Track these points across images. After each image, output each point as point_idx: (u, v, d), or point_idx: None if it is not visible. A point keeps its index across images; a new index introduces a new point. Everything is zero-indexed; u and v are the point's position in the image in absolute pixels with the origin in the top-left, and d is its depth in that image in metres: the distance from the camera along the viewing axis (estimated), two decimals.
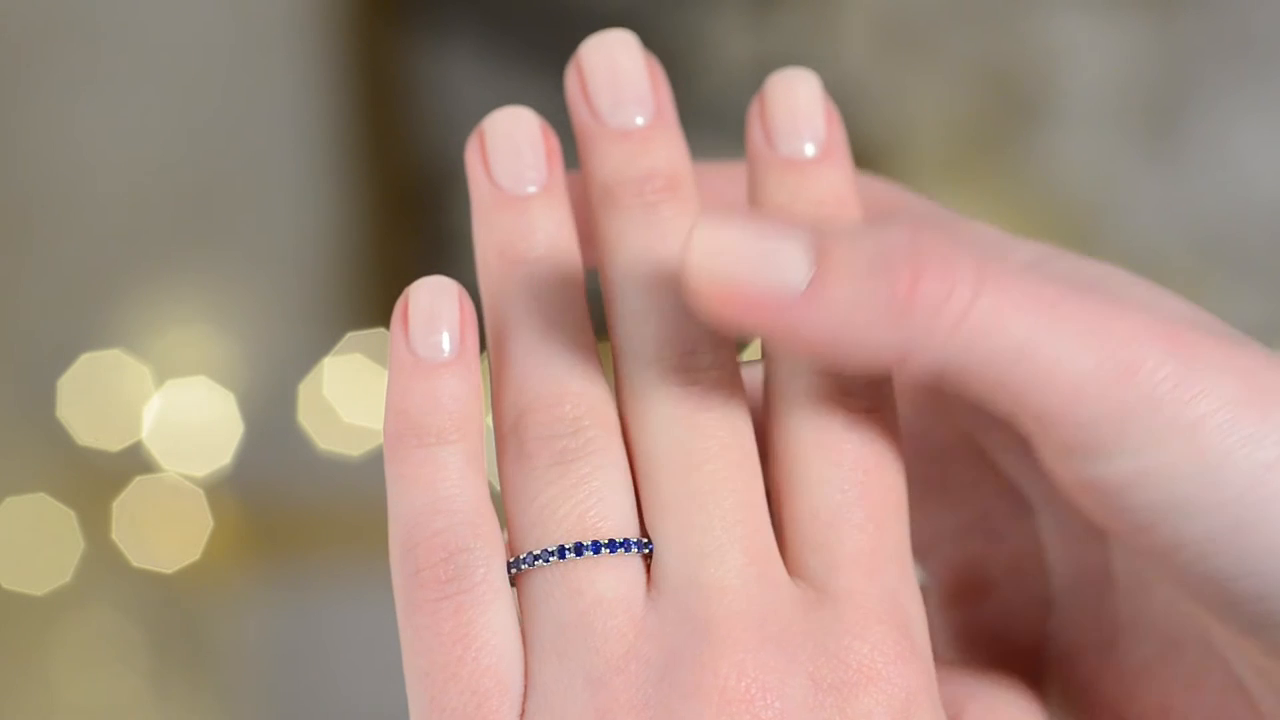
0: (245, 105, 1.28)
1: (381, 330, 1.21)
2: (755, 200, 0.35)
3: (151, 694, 1.26)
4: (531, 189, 0.35)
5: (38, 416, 1.20)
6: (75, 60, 1.26)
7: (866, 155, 1.26)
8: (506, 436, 0.33)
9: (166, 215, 1.26)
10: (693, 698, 0.30)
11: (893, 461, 0.33)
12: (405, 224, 1.28)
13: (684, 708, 0.30)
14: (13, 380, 1.25)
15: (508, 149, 0.35)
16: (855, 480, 0.32)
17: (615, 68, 0.36)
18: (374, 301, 1.27)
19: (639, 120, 0.35)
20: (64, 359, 1.20)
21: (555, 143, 0.36)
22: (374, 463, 1.19)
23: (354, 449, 1.20)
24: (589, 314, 0.34)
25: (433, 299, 0.34)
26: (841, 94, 1.25)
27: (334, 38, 1.27)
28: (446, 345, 0.33)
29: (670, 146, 0.35)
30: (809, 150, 0.35)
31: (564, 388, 0.33)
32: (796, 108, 0.35)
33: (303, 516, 1.27)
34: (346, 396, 1.20)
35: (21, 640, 1.22)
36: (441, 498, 0.32)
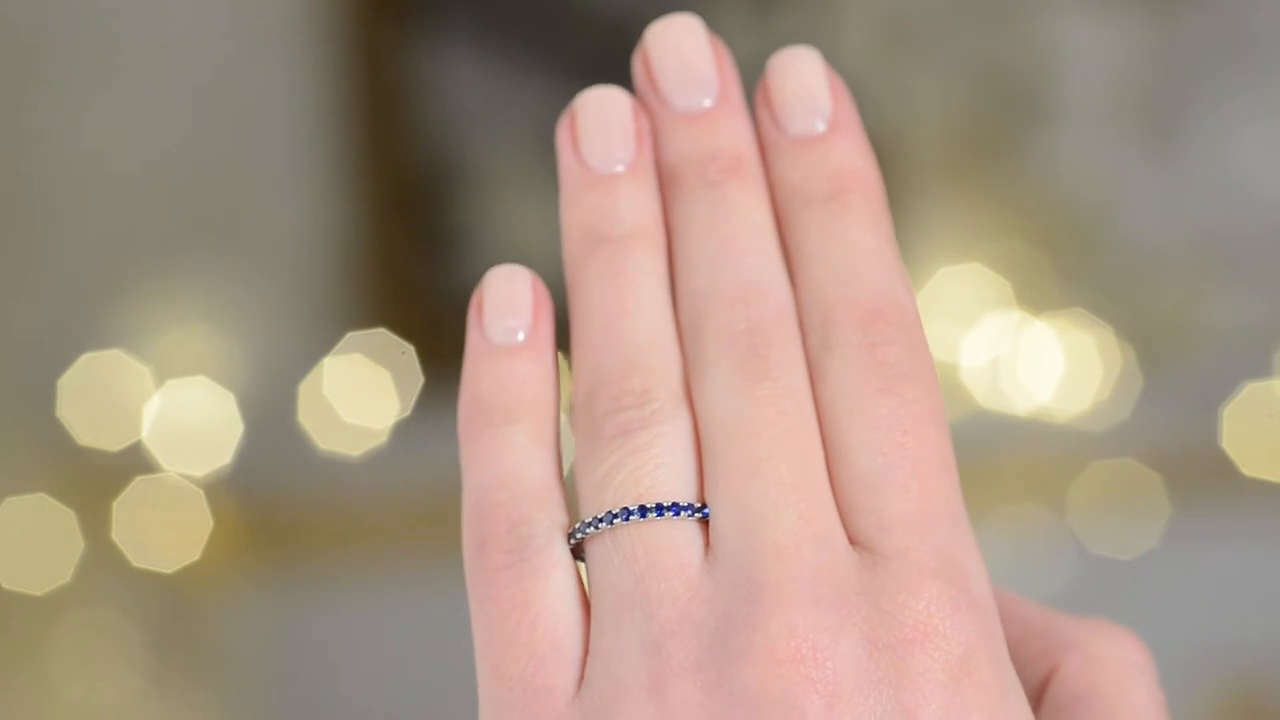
0: (245, 105, 1.28)
1: (382, 330, 1.21)
2: (770, 182, 0.35)
3: (151, 694, 1.26)
4: (619, 168, 0.35)
5: (38, 416, 1.20)
6: (76, 60, 1.26)
7: None
8: (579, 411, 0.33)
9: (166, 215, 1.26)
10: (742, 658, 0.30)
11: (932, 421, 0.33)
12: (405, 224, 1.28)
13: (733, 669, 0.30)
14: (13, 380, 1.25)
15: (597, 128, 0.35)
16: (894, 442, 0.32)
17: (680, 52, 0.36)
18: (374, 301, 1.27)
19: (705, 103, 0.36)
20: (64, 359, 1.20)
21: (645, 123, 0.36)
22: (374, 463, 1.19)
23: (354, 449, 1.20)
24: (668, 292, 0.34)
25: (507, 286, 0.35)
26: None
27: (334, 38, 1.27)
28: (519, 331, 0.34)
29: (735, 127, 0.36)
30: (819, 126, 0.36)
31: (635, 363, 0.33)
32: (802, 86, 0.36)
33: (303, 516, 1.27)
34: (346, 396, 1.20)
35: (21, 640, 1.22)
36: (507, 472, 0.33)
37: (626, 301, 0.34)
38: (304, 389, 1.20)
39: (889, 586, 0.31)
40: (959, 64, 1.26)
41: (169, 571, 1.23)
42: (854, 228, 0.35)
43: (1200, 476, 1.24)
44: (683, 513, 0.32)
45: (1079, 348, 1.23)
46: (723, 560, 0.31)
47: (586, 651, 0.32)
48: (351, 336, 1.21)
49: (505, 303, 0.35)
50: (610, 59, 1.36)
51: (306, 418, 1.20)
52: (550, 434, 0.34)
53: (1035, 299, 1.24)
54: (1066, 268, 1.25)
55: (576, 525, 0.32)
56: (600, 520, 0.32)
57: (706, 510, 0.32)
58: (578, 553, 0.33)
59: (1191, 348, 1.25)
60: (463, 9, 1.27)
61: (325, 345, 1.21)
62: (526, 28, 1.26)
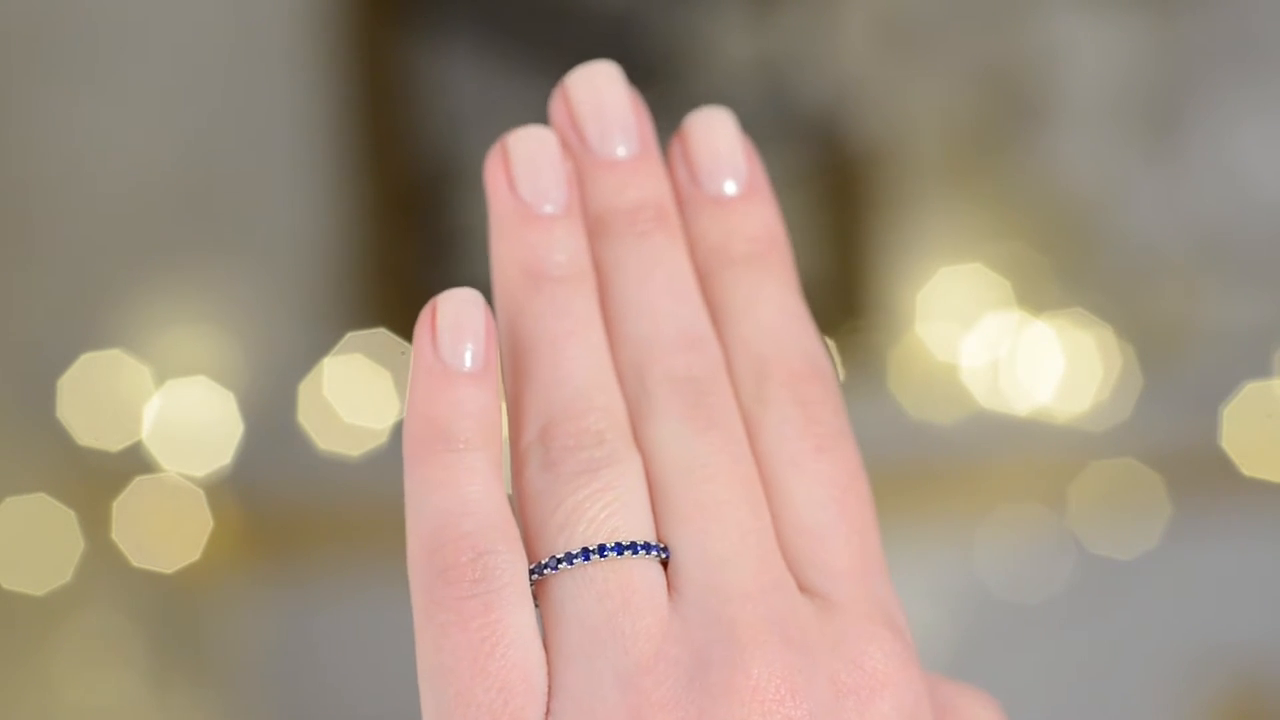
0: (245, 105, 1.28)
1: (382, 330, 1.21)
2: (689, 237, 0.36)
3: (151, 694, 1.26)
4: (551, 209, 0.36)
5: (38, 416, 1.20)
6: (75, 60, 1.26)
7: (867, 155, 1.26)
8: (530, 447, 0.34)
9: (167, 215, 1.26)
10: (725, 698, 0.31)
11: (860, 477, 0.34)
12: (405, 224, 1.28)
13: (715, 708, 0.31)
14: (13, 380, 1.25)
15: (532, 166, 0.36)
16: (833, 497, 0.34)
17: (600, 99, 0.37)
18: (374, 301, 1.27)
19: (626, 150, 0.36)
20: (64, 359, 1.20)
21: (573, 166, 0.36)
22: (374, 463, 1.19)
23: (354, 449, 1.20)
24: (605, 335, 0.35)
25: (461, 310, 0.35)
26: (841, 94, 1.25)
27: (334, 38, 1.27)
28: (471, 357, 0.34)
29: (657, 177, 0.37)
30: (736, 188, 0.37)
31: (589, 402, 0.34)
32: (717, 147, 0.37)
33: (303, 516, 1.27)
34: (346, 396, 1.20)
35: (21, 640, 1.22)
36: (469, 500, 0.33)
37: (574, 341, 0.34)
38: (304, 389, 1.20)
39: (848, 635, 0.32)
40: (959, 64, 1.26)
41: (169, 571, 1.23)
42: (773, 287, 0.36)
43: (1200, 476, 1.24)
44: (651, 552, 0.32)
45: (1079, 348, 1.23)
46: (689, 600, 0.32)
47: (549, 688, 0.32)
48: (351, 336, 1.21)
49: (460, 326, 0.34)
50: (610, 58, 1.36)
51: (306, 418, 1.20)
52: (500, 465, 0.34)
53: (1035, 299, 1.24)
54: (1066, 268, 1.25)
55: (544, 562, 0.33)
56: (574, 556, 0.32)
57: (667, 551, 0.33)
58: (534, 586, 0.33)
59: (1191, 348, 1.25)
60: (463, 9, 1.27)
61: (325, 345, 1.21)
62: (526, 28, 1.26)
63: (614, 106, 0.37)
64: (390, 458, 1.19)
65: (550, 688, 0.32)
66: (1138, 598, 1.25)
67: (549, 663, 0.32)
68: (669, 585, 0.32)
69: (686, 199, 0.37)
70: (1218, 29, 1.25)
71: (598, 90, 0.37)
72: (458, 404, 0.34)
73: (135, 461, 1.20)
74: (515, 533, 0.33)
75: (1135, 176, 1.26)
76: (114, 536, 1.21)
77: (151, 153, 1.26)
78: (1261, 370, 1.23)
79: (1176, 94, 1.25)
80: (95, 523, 1.20)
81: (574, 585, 0.32)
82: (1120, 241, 1.26)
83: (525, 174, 0.36)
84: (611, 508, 0.33)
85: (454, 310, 0.35)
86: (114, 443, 1.20)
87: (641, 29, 1.24)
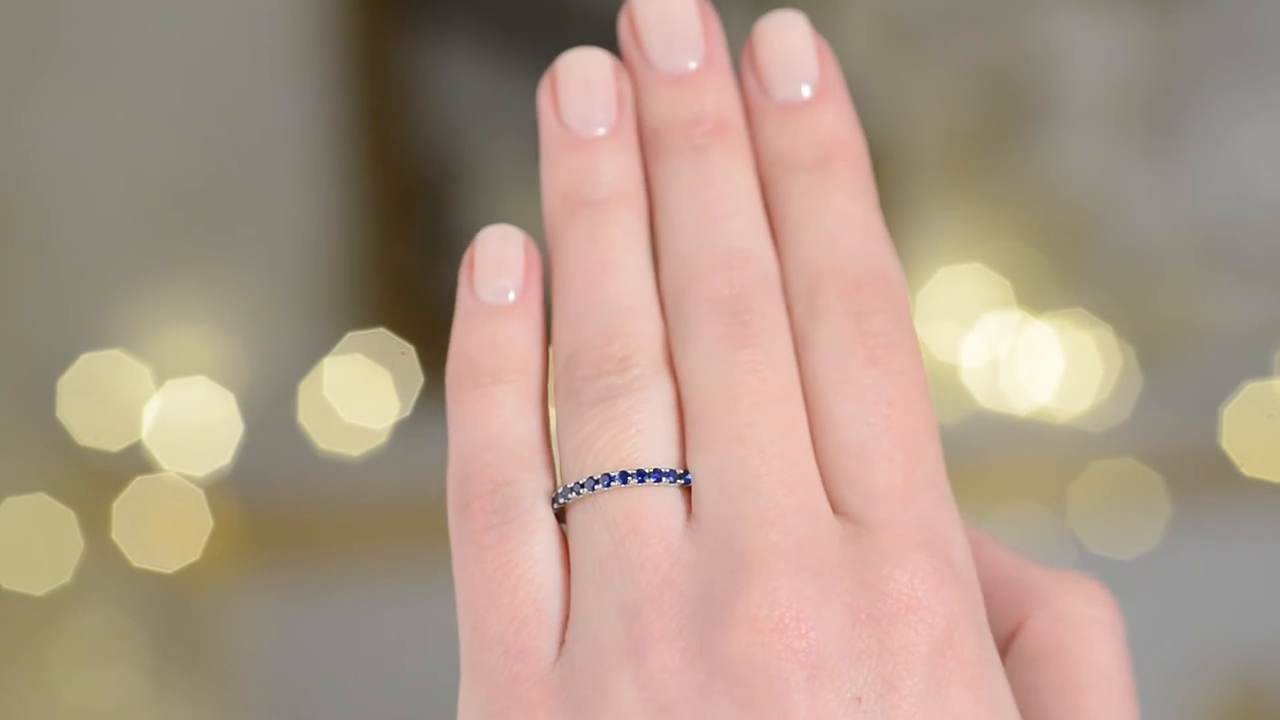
0: (245, 105, 1.28)
1: (382, 330, 1.21)
2: (755, 148, 0.35)
3: (152, 694, 1.26)
4: (600, 130, 0.35)
5: (38, 416, 1.20)
6: (75, 60, 1.26)
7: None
8: (559, 376, 0.33)
9: (166, 215, 1.26)
10: (723, 626, 0.30)
11: (916, 392, 0.33)
12: (405, 224, 1.28)
13: (715, 636, 0.30)
14: (13, 380, 1.25)
15: (579, 90, 0.35)
16: (879, 413, 0.32)
17: (667, 11, 0.36)
18: (374, 301, 1.27)
19: (690, 64, 0.35)
20: (64, 359, 1.20)
21: (627, 86, 0.35)
22: (374, 463, 1.19)
23: (354, 449, 1.20)
24: (650, 257, 0.34)
25: (498, 246, 0.34)
26: None
27: (334, 38, 1.27)
28: (510, 291, 0.34)
29: (720, 90, 0.35)
30: (805, 92, 0.35)
31: (615, 328, 0.33)
32: (788, 51, 0.36)
33: (303, 516, 1.27)
34: (346, 396, 1.20)
35: (21, 640, 1.22)
36: (493, 433, 0.33)
37: (607, 265, 0.34)
38: (304, 389, 1.20)
39: (873, 559, 0.31)
40: (959, 64, 1.26)
41: (169, 571, 1.23)
42: (840, 195, 0.34)
43: (1200, 476, 1.24)
44: (664, 479, 0.32)
45: (1079, 348, 1.23)
46: (704, 527, 0.31)
47: (567, 615, 0.32)
48: (351, 336, 1.21)
49: (496, 262, 0.34)
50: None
51: (306, 418, 1.20)
52: (538, 396, 0.34)
53: (1035, 299, 1.24)
54: (1066, 268, 1.25)
55: (559, 490, 0.32)
56: (581, 485, 0.32)
57: (689, 477, 0.32)
58: (561, 517, 0.33)
59: (1191, 348, 1.25)
60: (463, 9, 1.27)
61: (325, 345, 1.21)
62: (526, 28, 1.26)
63: (679, 20, 0.36)
64: (390, 458, 1.19)
65: (568, 615, 0.31)
66: (1138, 598, 1.25)
67: (569, 589, 0.32)
68: (690, 514, 0.31)
69: (755, 109, 0.35)
70: (1218, 28, 1.25)
71: (664, 3, 0.36)
72: (488, 338, 0.33)
73: (135, 461, 1.20)
74: (542, 460, 0.33)
75: (1135, 176, 1.26)
76: (114, 536, 1.21)
77: (151, 153, 1.26)
78: (1261, 370, 1.23)
79: (1177, 94, 1.25)
80: (95, 523, 1.20)
81: (586, 514, 0.32)
82: (1120, 241, 1.26)
83: (571, 98, 0.35)
84: (624, 435, 0.32)
85: (491, 246, 0.35)
86: (114, 443, 1.20)
87: None
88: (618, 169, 0.35)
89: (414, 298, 1.26)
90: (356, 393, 1.20)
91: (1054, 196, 1.26)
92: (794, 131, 0.35)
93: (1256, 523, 1.26)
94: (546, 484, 0.33)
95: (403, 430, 1.20)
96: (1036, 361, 1.23)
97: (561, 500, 0.32)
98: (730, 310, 0.33)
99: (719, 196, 0.34)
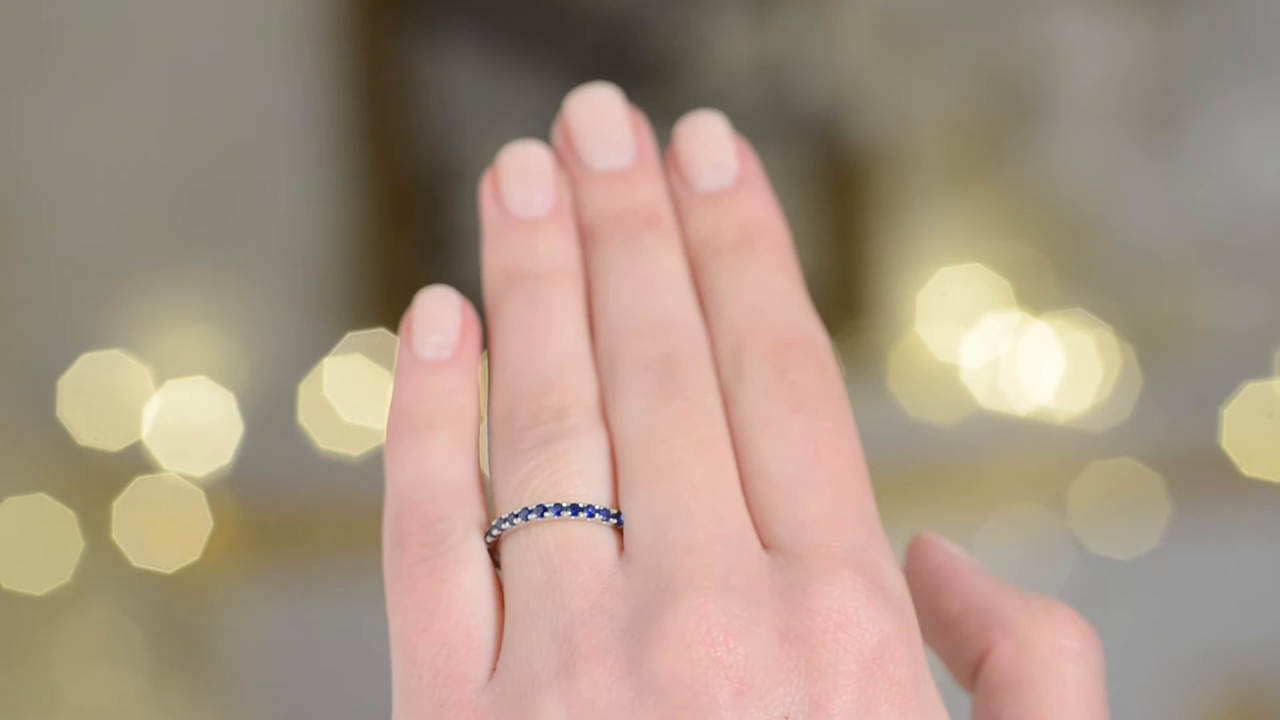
0: (245, 105, 1.28)
1: (382, 330, 1.21)
2: (683, 236, 0.36)
3: (152, 694, 1.26)
4: (540, 213, 0.36)
5: (38, 416, 1.20)
6: (75, 60, 1.26)
7: (866, 155, 1.26)
8: (498, 428, 0.34)
9: (167, 215, 1.26)
10: (651, 643, 0.30)
11: (843, 434, 0.33)
12: (405, 224, 1.28)
13: (642, 654, 0.30)
14: (13, 380, 1.25)
15: (516, 175, 0.37)
16: (807, 452, 0.33)
17: (596, 116, 0.37)
18: (374, 301, 1.27)
19: (615, 163, 0.37)
20: (64, 359, 1.20)
21: (565, 179, 0.37)
22: (374, 463, 1.19)
23: (354, 449, 1.20)
24: (587, 327, 0.35)
25: (435, 306, 0.36)
26: (841, 94, 1.25)
27: (334, 38, 1.27)
28: (445, 348, 0.35)
29: (651, 185, 0.37)
30: (725, 182, 0.37)
31: (552, 384, 0.34)
32: (705, 145, 0.37)
33: (303, 516, 1.27)
34: (346, 396, 1.20)
35: (21, 640, 1.22)
36: (426, 473, 0.34)
37: (546, 329, 0.35)
38: (304, 389, 1.20)
39: (800, 580, 0.31)
40: (959, 64, 1.26)
41: (169, 571, 1.23)
42: (762, 270, 0.36)
43: (1200, 476, 1.24)
44: (597, 515, 0.32)
45: (1079, 348, 1.23)
46: (635, 558, 0.32)
47: (499, 645, 0.32)
48: (351, 336, 1.21)
49: (432, 321, 0.36)
50: (610, 58, 1.36)
51: (306, 418, 1.20)
52: (471, 441, 0.34)
53: (1035, 299, 1.24)
54: (1066, 268, 1.25)
55: (493, 522, 0.33)
56: (516, 516, 0.32)
57: (622, 518, 0.32)
58: (494, 552, 0.33)
59: (1191, 348, 1.25)
60: (463, 9, 1.27)
61: (325, 345, 1.21)
62: (526, 28, 1.26)
63: (608, 122, 0.37)
64: None
65: (499, 645, 0.32)
66: (1138, 598, 1.25)
67: (501, 620, 0.32)
68: (622, 550, 0.32)
69: (681, 202, 0.37)
70: (1217, 28, 1.25)
71: (594, 109, 0.37)
72: (422, 389, 0.35)
73: (135, 461, 1.20)
74: (474, 498, 0.34)
75: (1135, 176, 1.26)
76: (114, 536, 1.21)
77: (152, 153, 1.26)
78: (1261, 370, 1.23)
79: (1176, 93, 1.25)
80: (95, 523, 1.20)
81: (521, 545, 0.32)
82: (1120, 241, 1.26)
83: (510, 184, 0.37)
84: (562, 473, 0.33)
85: (426, 307, 0.36)
86: (114, 443, 1.20)
87: (641, 29, 1.24)
88: (557, 247, 0.36)
89: (414, 298, 1.26)
90: (356, 393, 1.20)
91: (1054, 196, 1.26)
92: (717, 216, 0.36)
93: (1256, 523, 1.26)
94: (479, 518, 0.33)
95: None
96: (1036, 361, 1.23)
97: (496, 532, 0.33)
98: (661, 369, 0.34)
99: (651, 274, 0.35)
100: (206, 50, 1.27)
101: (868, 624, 0.30)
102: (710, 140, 0.37)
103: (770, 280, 0.35)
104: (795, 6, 1.24)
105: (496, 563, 0.33)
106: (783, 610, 0.30)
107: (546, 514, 0.32)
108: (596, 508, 0.32)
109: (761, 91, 1.24)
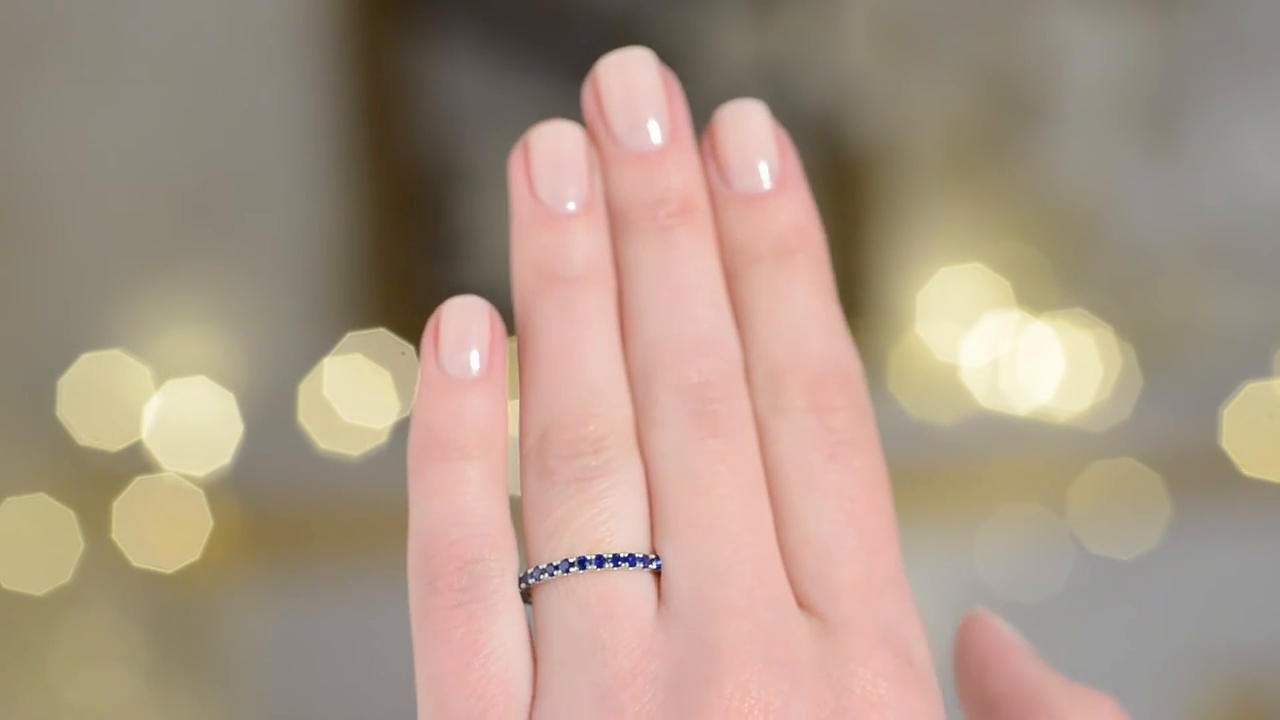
0: (245, 106, 1.28)
1: (382, 330, 1.21)
2: (718, 232, 0.36)
3: (151, 694, 1.26)
4: (572, 206, 0.35)
5: (38, 416, 1.20)
6: (75, 61, 1.26)
7: (866, 155, 1.26)
8: (529, 453, 0.33)
9: (167, 215, 1.26)
10: (696, 715, 0.30)
11: (878, 489, 0.33)
12: (405, 224, 1.28)
13: None
14: (13, 380, 1.25)
15: (552, 164, 0.35)
16: (842, 509, 0.33)
17: (630, 87, 0.36)
18: (374, 301, 1.27)
19: (650, 142, 0.36)
20: (64, 359, 1.20)
21: (596, 158, 0.36)
22: (374, 463, 1.19)
23: (354, 449, 1.20)
24: (619, 334, 0.35)
25: (464, 318, 0.35)
26: (841, 94, 1.25)
27: (334, 38, 1.27)
28: (475, 364, 0.34)
29: (685, 169, 0.36)
30: (765, 184, 0.36)
31: (589, 408, 0.33)
32: (748, 141, 0.36)
33: (303, 516, 1.27)
34: (346, 396, 1.20)
35: (21, 640, 1.22)
36: (459, 509, 0.33)
37: (581, 344, 0.34)
38: (304, 389, 1.20)
39: (839, 655, 0.31)
40: (959, 64, 1.26)
41: (169, 571, 1.23)
42: (800, 288, 0.35)
43: (1200, 476, 1.24)
44: (637, 564, 0.32)
45: (1079, 348, 1.23)
46: (676, 615, 0.32)
47: (533, 697, 0.32)
48: (351, 336, 1.21)
49: (463, 335, 0.34)
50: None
51: (306, 418, 1.20)
52: (502, 472, 0.34)
53: (1035, 299, 1.24)
54: (1066, 268, 1.25)
55: (530, 570, 0.32)
56: (556, 567, 0.32)
57: (659, 562, 0.32)
58: (525, 596, 0.33)
59: (1191, 348, 1.25)
60: (463, 9, 1.27)
61: (325, 345, 1.21)
62: (526, 28, 1.26)
63: (644, 95, 0.36)
64: (390, 458, 1.19)
65: (534, 695, 0.32)
66: (1138, 598, 1.25)
67: (536, 670, 0.32)
68: (660, 598, 0.32)
69: (717, 196, 0.36)
70: (1218, 28, 1.25)
71: (628, 78, 0.36)
72: (456, 413, 0.34)
73: (135, 461, 1.20)
74: (509, 540, 0.33)
75: (1135, 176, 1.26)
76: (114, 536, 1.21)
77: (151, 152, 1.26)
78: (1261, 370, 1.23)
79: (1176, 94, 1.25)
80: (95, 523, 1.20)
81: (558, 595, 0.32)
82: (1120, 241, 1.26)
83: (544, 173, 0.35)
84: (600, 519, 0.32)
85: (457, 318, 0.35)
86: (114, 443, 1.20)
87: (641, 29, 1.24)
88: (590, 247, 0.35)
89: (414, 298, 1.26)
90: (356, 393, 1.20)
91: (1054, 196, 1.26)
92: (755, 223, 0.35)
93: (1256, 523, 1.26)
94: (513, 563, 0.33)
95: (403, 430, 1.19)
96: (1036, 361, 1.23)
97: (531, 580, 0.32)
98: (698, 398, 0.33)
99: (685, 281, 0.34)
100: (206, 50, 1.27)
101: (898, 704, 0.31)
102: (753, 136, 0.36)
103: (808, 301, 0.35)
104: (795, 6, 1.24)
105: (526, 599, 0.33)
106: (819, 683, 0.31)
107: (589, 565, 0.32)
108: (637, 556, 0.32)
109: (761, 91, 1.24)
